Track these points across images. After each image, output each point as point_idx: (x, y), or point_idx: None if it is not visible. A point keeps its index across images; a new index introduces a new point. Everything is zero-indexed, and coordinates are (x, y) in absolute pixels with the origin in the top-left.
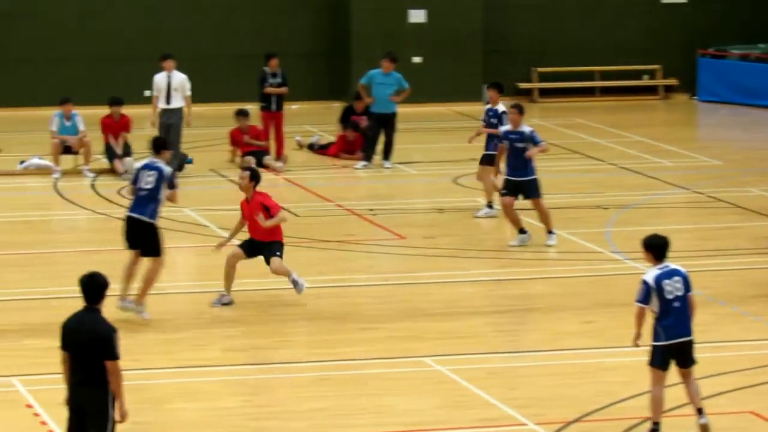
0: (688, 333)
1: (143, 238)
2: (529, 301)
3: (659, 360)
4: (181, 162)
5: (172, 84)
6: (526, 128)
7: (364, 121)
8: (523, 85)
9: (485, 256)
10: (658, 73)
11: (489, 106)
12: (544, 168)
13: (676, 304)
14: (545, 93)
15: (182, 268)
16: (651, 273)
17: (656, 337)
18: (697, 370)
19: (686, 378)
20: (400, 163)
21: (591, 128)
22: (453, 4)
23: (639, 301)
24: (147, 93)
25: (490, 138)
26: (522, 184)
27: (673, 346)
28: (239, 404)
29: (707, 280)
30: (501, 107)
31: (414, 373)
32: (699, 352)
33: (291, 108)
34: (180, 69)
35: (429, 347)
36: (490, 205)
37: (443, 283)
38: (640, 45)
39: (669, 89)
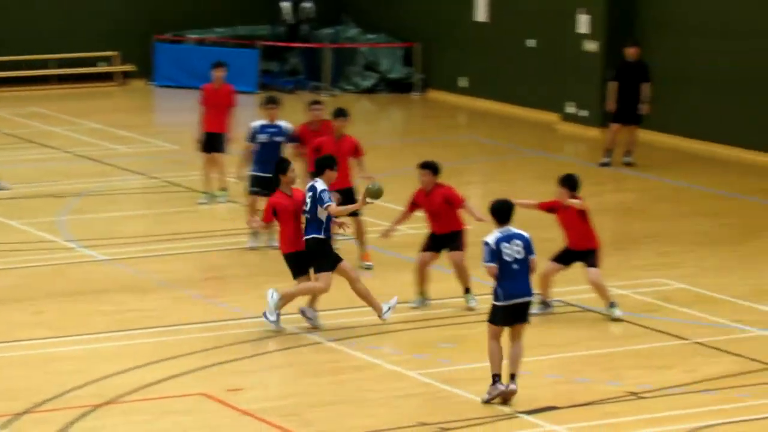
0: (527, 293)
1: None
2: None
3: (496, 318)
4: None
5: None
6: None
7: None
8: None
9: None
10: (115, 59)
11: None
12: None
13: (515, 266)
14: None
15: None
16: (492, 235)
17: (495, 297)
18: (152, 354)
19: (515, 338)
20: None
21: (47, 117)
22: None
23: (486, 262)
24: None
25: None
26: None
27: (510, 307)
28: None
29: (164, 264)
30: None
31: None
32: (155, 337)
33: None
34: None
35: None
36: None
37: None
38: (97, 32)
39: (127, 75)
